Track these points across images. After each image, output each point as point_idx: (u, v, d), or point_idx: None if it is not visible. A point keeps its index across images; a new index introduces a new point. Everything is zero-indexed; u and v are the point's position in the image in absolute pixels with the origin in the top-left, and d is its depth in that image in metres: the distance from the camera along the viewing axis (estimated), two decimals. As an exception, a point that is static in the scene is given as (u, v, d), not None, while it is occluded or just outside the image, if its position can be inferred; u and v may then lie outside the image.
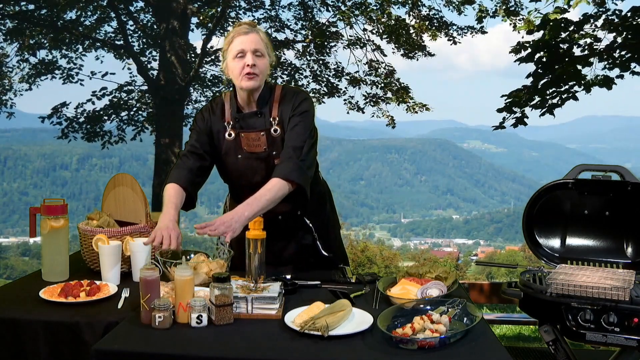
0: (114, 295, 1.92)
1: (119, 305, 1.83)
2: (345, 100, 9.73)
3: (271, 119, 2.16)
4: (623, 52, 6.90)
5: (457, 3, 9.02)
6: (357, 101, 9.75)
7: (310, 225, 2.31)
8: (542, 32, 7.16)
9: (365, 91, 9.76)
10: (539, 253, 2.24)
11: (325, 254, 2.32)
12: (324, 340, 1.55)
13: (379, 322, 1.59)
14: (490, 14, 8.58)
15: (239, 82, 2.11)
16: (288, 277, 2.07)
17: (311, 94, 9.74)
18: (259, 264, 1.83)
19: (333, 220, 2.46)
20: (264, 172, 2.16)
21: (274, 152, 2.15)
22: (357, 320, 1.68)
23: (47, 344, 1.71)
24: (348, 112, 9.79)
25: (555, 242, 2.24)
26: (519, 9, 8.35)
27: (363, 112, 9.76)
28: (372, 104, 9.71)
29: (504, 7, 8.32)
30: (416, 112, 9.77)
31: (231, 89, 2.24)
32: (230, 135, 2.18)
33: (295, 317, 1.67)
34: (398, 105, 9.64)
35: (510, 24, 8.19)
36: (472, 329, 1.62)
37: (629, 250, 2.17)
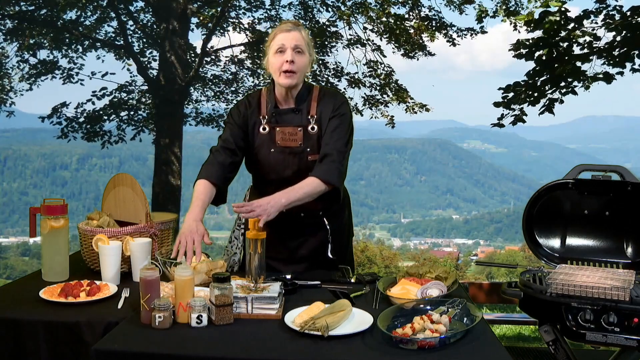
0: (114, 295, 1.92)
1: (119, 305, 1.83)
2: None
3: (309, 117, 2.18)
4: (622, 50, 6.90)
5: (458, 3, 9.01)
6: (356, 103, 9.75)
7: (328, 226, 2.31)
8: (541, 30, 7.14)
9: (365, 93, 9.76)
10: (539, 253, 2.24)
11: (331, 256, 2.31)
12: (324, 340, 1.55)
13: (379, 322, 1.59)
14: (490, 14, 8.56)
15: (278, 78, 2.14)
16: (288, 277, 2.07)
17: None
18: (259, 264, 1.83)
19: (348, 227, 2.47)
20: (296, 167, 2.19)
21: (308, 149, 2.17)
22: (357, 320, 1.68)
23: (47, 344, 1.71)
24: (347, 114, 9.78)
25: (555, 242, 2.24)
26: (519, 9, 8.34)
27: (362, 115, 9.76)
28: (370, 107, 9.71)
29: (504, 7, 8.30)
30: (415, 113, 9.77)
31: (267, 85, 2.28)
32: (264, 129, 2.20)
33: (295, 317, 1.66)
34: (398, 104, 9.64)
35: (511, 24, 8.18)
36: (472, 329, 1.62)
37: (629, 250, 2.17)
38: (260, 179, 2.32)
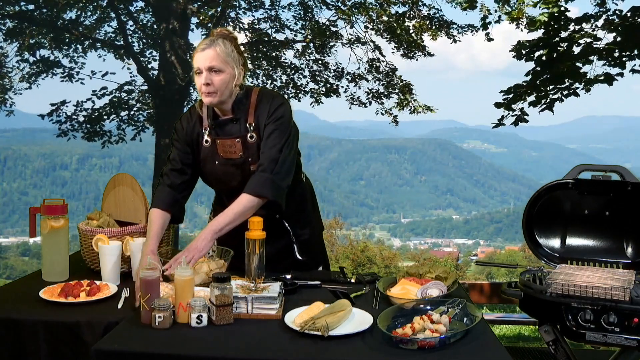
0: (114, 295, 1.92)
1: (119, 305, 1.83)
2: (347, 97, 9.74)
3: (247, 125, 2.14)
4: (622, 52, 6.89)
5: (461, 0, 9.00)
6: (359, 97, 9.76)
7: (289, 228, 2.29)
8: (542, 30, 7.14)
9: (368, 87, 9.77)
10: (539, 253, 2.24)
11: (300, 257, 2.29)
12: (324, 340, 1.55)
13: (379, 322, 1.59)
14: (495, 19, 8.51)
15: (202, 97, 2.11)
16: (288, 277, 2.07)
17: (310, 94, 9.77)
18: (258, 264, 1.84)
19: (314, 222, 2.42)
20: (240, 177, 2.15)
21: (250, 159, 2.14)
22: (357, 320, 1.68)
23: (47, 344, 1.71)
24: (350, 108, 9.78)
25: (555, 242, 2.24)
26: (521, 7, 8.32)
27: (366, 106, 9.75)
28: (374, 100, 9.72)
29: (505, 7, 8.28)
30: (419, 113, 9.78)
31: None
32: (207, 142, 2.17)
33: (295, 317, 1.66)
34: (403, 108, 9.67)
35: (512, 23, 8.16)
36: (472, 329, 1.62)
37: (629, 250, 2.17)
38: (214, 190, 2.32)
